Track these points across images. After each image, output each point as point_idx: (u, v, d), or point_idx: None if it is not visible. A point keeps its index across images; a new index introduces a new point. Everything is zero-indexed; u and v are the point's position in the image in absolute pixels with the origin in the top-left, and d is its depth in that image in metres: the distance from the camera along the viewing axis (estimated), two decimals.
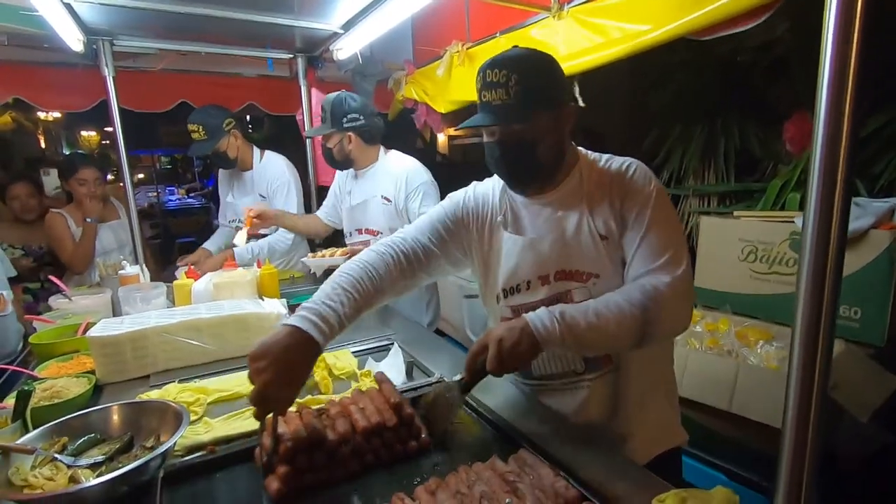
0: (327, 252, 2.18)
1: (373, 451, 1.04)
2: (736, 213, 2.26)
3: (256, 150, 2.81)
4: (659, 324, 1.06)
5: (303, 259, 2.18)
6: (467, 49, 2.67)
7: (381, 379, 1.23)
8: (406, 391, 1.29)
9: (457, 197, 1.37)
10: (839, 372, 1.69)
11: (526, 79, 1.09)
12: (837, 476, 1.63)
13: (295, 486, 0.94)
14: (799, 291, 0.70)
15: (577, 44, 2.04)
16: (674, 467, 1.32)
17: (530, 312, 1.06)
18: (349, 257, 2.05)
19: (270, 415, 0.98)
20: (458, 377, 1.16)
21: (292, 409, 1.06)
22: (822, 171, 0.68)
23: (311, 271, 2.13)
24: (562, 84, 1.19)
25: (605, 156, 1.24)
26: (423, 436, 1.10)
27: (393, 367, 1.50)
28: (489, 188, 1.34)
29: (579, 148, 1.26)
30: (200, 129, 2.54)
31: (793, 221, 2.00)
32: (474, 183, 1.39)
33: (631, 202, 1.14)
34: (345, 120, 2.18)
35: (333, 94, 2.22)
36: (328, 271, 2.13)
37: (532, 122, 1.12)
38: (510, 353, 1.02)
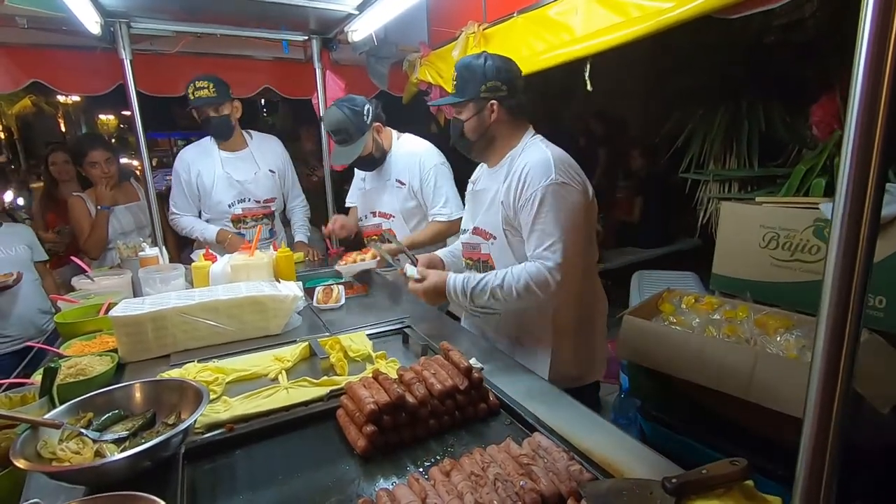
0: (357, 256, 2.19)
1: (448, 413, 1.13)
2: (758, 199, 2.21)
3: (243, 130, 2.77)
4: (541, 299, 1.48)
5: (336, 267, 2.22)
6: (483, 30, 2.62)
7: (447, 348, 1.27)
8: None
9: None
10: (860, 362, 1.65)
11: (458, 78, 1.57)
12: (855, 467, 1.61)
13: (380, 444, 1.05)
14: (826, 280, 0.68)
15: (595, 23, 1.99)
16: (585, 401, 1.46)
17: (454, 276, 1.58)
18: (379, 260, 2.10)
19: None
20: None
21: (369, 375, 1.21)
22: (854, 154, 0.65)
23: (344, 275, 2.20)
24: (481, 83, 1.53)
25: (542, 147, 1.56)
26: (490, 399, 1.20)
27: None
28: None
29: (535, 137, 1.60)
30: (210, 87, 2.47)
31: (817, 208, 1.94)
32: None
33: (528, 189, 1.47)
34: (365, 117, 2.17)
35: (335, 113, 2.16)
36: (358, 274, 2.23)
37: (461, 109, 1.58)
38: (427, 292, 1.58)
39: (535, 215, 1.45)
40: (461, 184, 2.35)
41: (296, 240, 2.91)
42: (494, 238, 1.61)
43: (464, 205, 1.94)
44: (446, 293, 1.55)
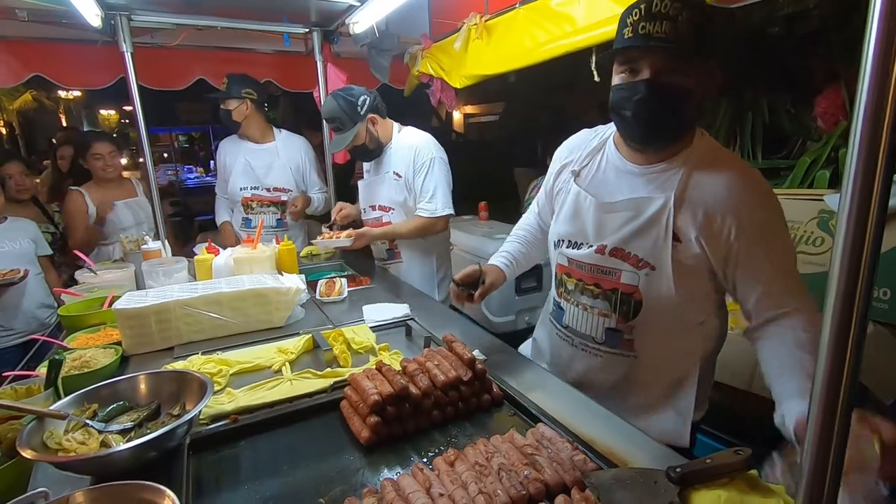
0: (333, 234, 2.29)
1: (452, 404, 1.13)
2: None
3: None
4: None
5: (312, 241, 2.38)
6: (485, 21, 2.60)
7: (450, 339, 1.27)
8: None
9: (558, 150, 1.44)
10: (865, 354, 1.65)
11: (697, 19, 1.02)
12: None
13: (384, 435, 1.05)
14: (832, 271, 0.67)
15: (597, 13, 1.97)
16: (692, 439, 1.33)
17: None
18: (353, 239, 2.16)
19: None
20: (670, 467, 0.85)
21: (372, 367, 1.20)
22: (861, 144, 0.64)
23: (321, 250, 2.40)
24: (720, 42, 1.09)
25: (728, 152, 1.18)
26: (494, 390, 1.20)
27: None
28: (589, 137, 1.35)
29: (704, 132, 1.19)
30: (225, 83, 2.75)
31: (821, 199, 1.93)
32: (585, 130, 1.40)
33: (749, 231, 1.08)
34: (359, 108, 2.18)
35: (330, 101, 2.20)
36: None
37: (690, 68, 1.05)
38: None
39: (776, 258, 1.08)
40: (464, 175, 2.35)
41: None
42: (652, 268, 1.16)
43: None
44: None
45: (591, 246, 1.24)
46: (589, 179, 1.28)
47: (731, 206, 1.08)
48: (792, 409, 0.95)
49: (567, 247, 1.31)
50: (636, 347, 1.25)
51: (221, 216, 3.05)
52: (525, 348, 1.63)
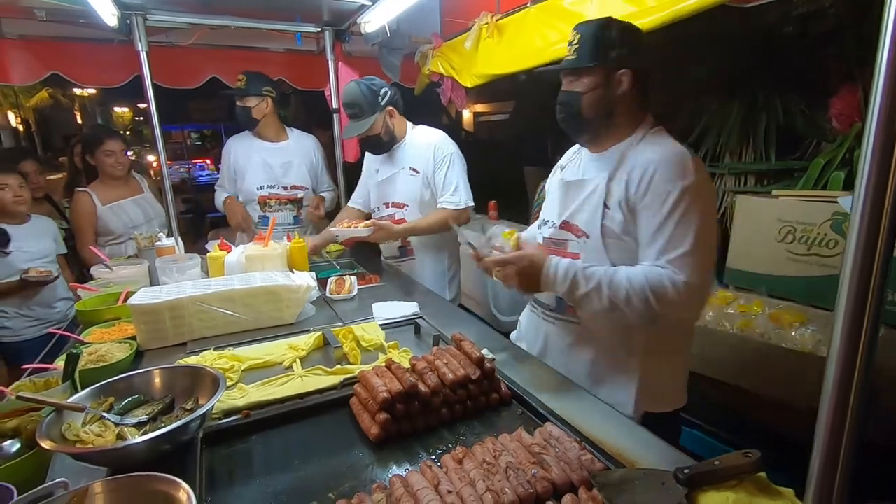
0: (353, 223, 2.31)
1: (460, 403, 1.15)
2: (774, 192, 2.18)
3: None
4: (654, 317, 1.22)
5: (330, 228, 2.38)
6: (497, 21, 2.60)
7: (459, 338, 1.28)
8: None
9: None
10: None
11: (582, 39, 1.30)
12: (867, 462, 1.59)
13: (393, 432, 1.07)
14: (844, 274, 0.66)
15: (610, 12, 1.94)
16: (664, 430, 1.33)
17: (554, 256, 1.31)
18: (372, 230, 2.16)
19: None
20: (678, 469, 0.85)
21: (381, 364, 1.24)
22: (875, 145, 0.63)
23: (338, 238, 2.39)
24: (615, 49, 1.29)
25: (670, 138, 1.34)
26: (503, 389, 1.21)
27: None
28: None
29: (657, 127, 1.36)
30: (244, 80, 2.73)
31: (836, 201, 1.91)
32: None
33: (658, 186, 1.23)
34: (380, 98, 2.20)
35: (353, 87, 2.21)
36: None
37: (579, 77, 1.33)
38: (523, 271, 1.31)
39: (663, 219, 1.21)
40: (474, 174, 2.36)
41: (318, 192, 3.09)
42: (587, 237, 1.35)
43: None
44: (543, 274, 1.28)
45: (554, 223, 1.46)
46: (567, 170, 1.54)
47: (649, 170, 1.24)
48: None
49: (542, 226, 1.53)
50: (579, 314, 1.40)
51: (222, 195, 2.97)
52: (513, 334, 1.70)
